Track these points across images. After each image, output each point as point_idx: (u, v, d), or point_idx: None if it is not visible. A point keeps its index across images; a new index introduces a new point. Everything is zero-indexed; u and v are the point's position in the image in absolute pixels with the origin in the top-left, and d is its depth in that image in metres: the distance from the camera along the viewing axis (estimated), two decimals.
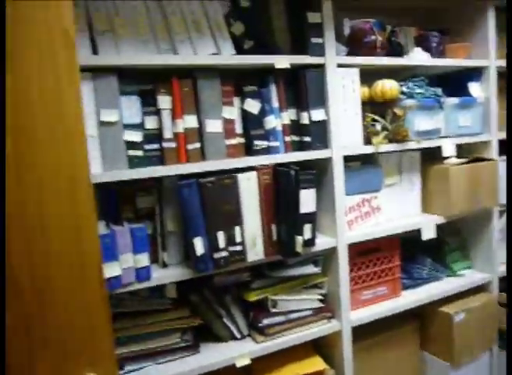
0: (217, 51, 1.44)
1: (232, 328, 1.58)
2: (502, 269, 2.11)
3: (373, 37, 1.71)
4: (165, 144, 1.41)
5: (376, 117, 1.76)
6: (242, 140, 1.55)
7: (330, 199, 1.66)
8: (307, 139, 1.60)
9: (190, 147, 1.42)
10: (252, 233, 1.48)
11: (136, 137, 1.38)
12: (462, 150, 2.02)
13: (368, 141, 1.73)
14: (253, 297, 1.57)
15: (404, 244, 1.92)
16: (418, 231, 1.87)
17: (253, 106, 1.53)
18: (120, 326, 1.42)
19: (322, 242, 1.65)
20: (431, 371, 2.04)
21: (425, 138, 1.83)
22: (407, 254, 1.98)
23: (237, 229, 1.45)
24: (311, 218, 1.51)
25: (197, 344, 1.54)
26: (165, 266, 1.48)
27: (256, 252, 1.49)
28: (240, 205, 1.46)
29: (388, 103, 1.77)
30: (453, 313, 1.93)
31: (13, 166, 1.05)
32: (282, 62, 1.50)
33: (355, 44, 1.72)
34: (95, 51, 1.30)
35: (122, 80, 1.34)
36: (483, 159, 1.98)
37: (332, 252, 1.69)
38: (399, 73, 1.88)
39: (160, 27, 1.40)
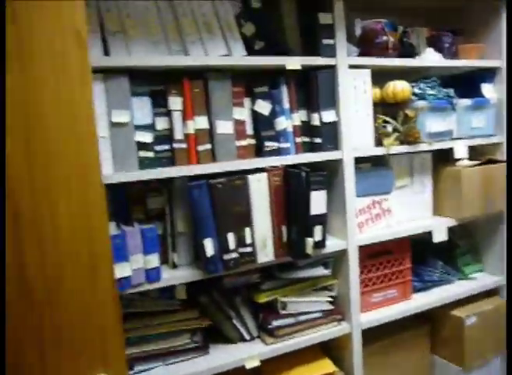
0: (228, 52, 1.44)
1: (242, 329, 1.58)
2: None
3: (385, 38, 1.70)
4: (175, 145, 1.42)
5: (387, 119, 1.74)
6: (252, 141, 1.55)
7: (341, 201, 1.65)
8: (318, 140, 1.59)
9: (200, 148, 1.42)
10: (262, 235, 1.48)
11: (147, 138, 1.38)
12: (474, 152, 1.99)
13: (379, 142, 1.72)
14: (262, 298, 1.56)
15: (415, 247, 1.90)
16: (429, 234, 1.86)
17: (263, 107, 1.53)
18: (130, 326, 1.42)
19: (333, 244, 1.64)
20: None
21: (437, 140, 1.82)
22: (418, 256, 1.96)
23: (247, 230, 1.45)
24: (321, 220, 1.50)
25: (207, 345, 1.54)
26: (174, 266, 1.48)
27: (266, 254, 1.49)
28: (250, 206, 1.45)
29: (399, 104, 1.76)
30: (465, 317, 1.91)
31: (25, 166, 1.06)
32: (293, 63, 1.50)
33: (367, 45, 1.71)
34: (106, 52, 1.30)
35: (134, 81, 1.34)
36: (496, 161, 1.96)
37: (342, 254, 1.68)
38: (410, 74, 1.86)
39: (171, 28, 1.40)
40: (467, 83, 1.98)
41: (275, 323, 1.58)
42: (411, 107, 1.76)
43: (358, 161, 1.69)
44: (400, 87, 1.73)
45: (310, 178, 1.45)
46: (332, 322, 1.67)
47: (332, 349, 1.77)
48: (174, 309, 1.50)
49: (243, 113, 1.49)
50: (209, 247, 1.39)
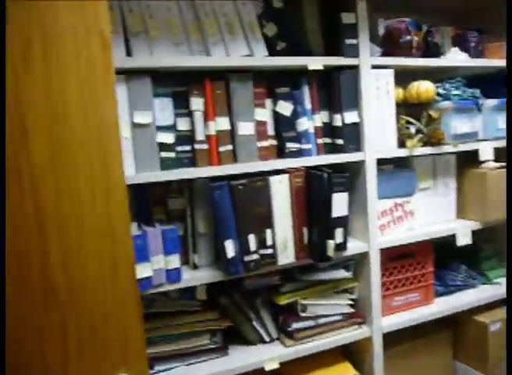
0: (250, 53, 1.43)
1: (262, 331, 1.57)
2: None
3: (409, 37, 1.67)
4: (197, 146, 1.41)
5: (411, 119, 1.71)
6: (274, 142, 1.54)
7: (362, 203, 1.63)
8: (340, 142, 1.58)
9: (221, 149, 1.42)
10: (283, 237, 1.46)
11: (168, 138, 1.38)
12: (500, 153, 1.95)
13: (401, 143, 1.69)
14: (283, 300, 1.55)
15: (437, 250, 1.87)
16: (452, 237, 1.82)
17: (285, 108, 1.52)
18: (151, 326, 1.43)
19: (354, 246, 1.62)
20: None
21: (462, 141, 1.78)
22: (441, 260, 1.93)
23: (268, 232, 1.44)
24: (343, 222, 1.49)
25: (226, 346, 1.53)
26: (195, 267, 1.48)
27: (287, 256, 1.48)
28: (271, 207, 1.44)
29: (423, 105, 1.73)
30: (489, 322, 1.87)
31: (50, 166, 1.07)
32: (315, 63, 1.48)
33: (390, 45, 1.68)
34: (129, 53, 1.31)
35: (155, 82, 1.35)
36: None
37: (363, 257, 1.65)
38: (434, 74, 1.83)
39: (193, 29, 1.40)
40: (493, 83, 1.93)
41: (295, 326, 1.57)
42: (435, 108, 1.73)
43: (380, 162, 1.66)
44: (424, 88, 1.70)
45: (332, 180, 1.43)
46: (353, 325, 1.65)
47: (353, 353, 1.75)
48: (194, 310, 1.50)
49: (264, 114, 1.49)
50: (230, 248, 1.38)
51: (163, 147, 1.37)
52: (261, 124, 1.48)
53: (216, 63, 1.38)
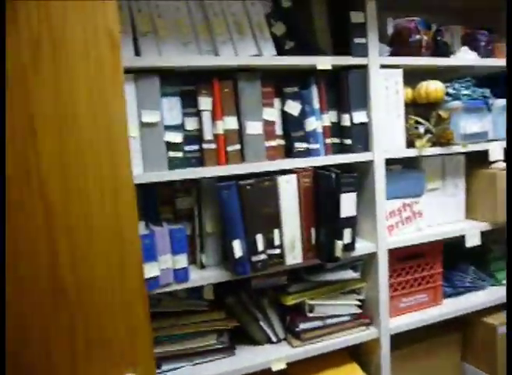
0: (258, 52, 1.43)
1: (269, 331, 1.57)
2: None
3: (418, 37, 1.66)
4: (204, 146, 1.41)
5: (419, 119, 1.70)
6: (282, 142, 1.53)
7: (371, 203, 1.62)
8: (348, 142, 1.57)
9: (229, 148, 1.42)
10: (291, 237, 1.46)
11: (176, 138, 1.38)
12: None
13: (410, 144, 1.68)
14: (290, 301, 1.55)
15: (446, 251, 1.85)
16: (461, 238, 1.80)
17: (293, 108, 1.51)
18: (157, 326, 1.43)
19: (362, 247, 1.61)
20: None
21: (472, 141, 1.76)
22: (449, 261, 1.91)
23: (276, 232, 1.43)
24: (351, 222, 1.48)
25: (233, 346, 1.53)
26: (202, 267, 1.48)
27: (294, 256, 1.47)
28: (279, 207, 1.44)
29: (432, 105, 1.72)
30: (498, 324, 1.85)
31: (59, 166, 1.07)
32: (324, 63, 1.48)
33: (399, 44, 1.67)
34: (137, 53, 1.31)
35: (164, 81, 1.35)
36: None
37: (371, 257, 1.64)
38: (444, 74, 1.81)
39: (201, 28, 1.40)
40: (503, 83, 1.92)
41: (303, 326, 1.56)
42: (445, 108, 1.71)
43: (389, 162, 1.66)
44: (433, 87, 1.69)
45: (340, 180, 1.43)
46: (360, 326, 1.65)
47: (360, 354, 1.74)
48: (201, 310, 1.50)
49: (272, 114, 1.48)
50: (238, 248, 1.38)
51: (171, 146, 1.37)
52: (269, 124, 1.47)
53: (225, 62, 1.38)
